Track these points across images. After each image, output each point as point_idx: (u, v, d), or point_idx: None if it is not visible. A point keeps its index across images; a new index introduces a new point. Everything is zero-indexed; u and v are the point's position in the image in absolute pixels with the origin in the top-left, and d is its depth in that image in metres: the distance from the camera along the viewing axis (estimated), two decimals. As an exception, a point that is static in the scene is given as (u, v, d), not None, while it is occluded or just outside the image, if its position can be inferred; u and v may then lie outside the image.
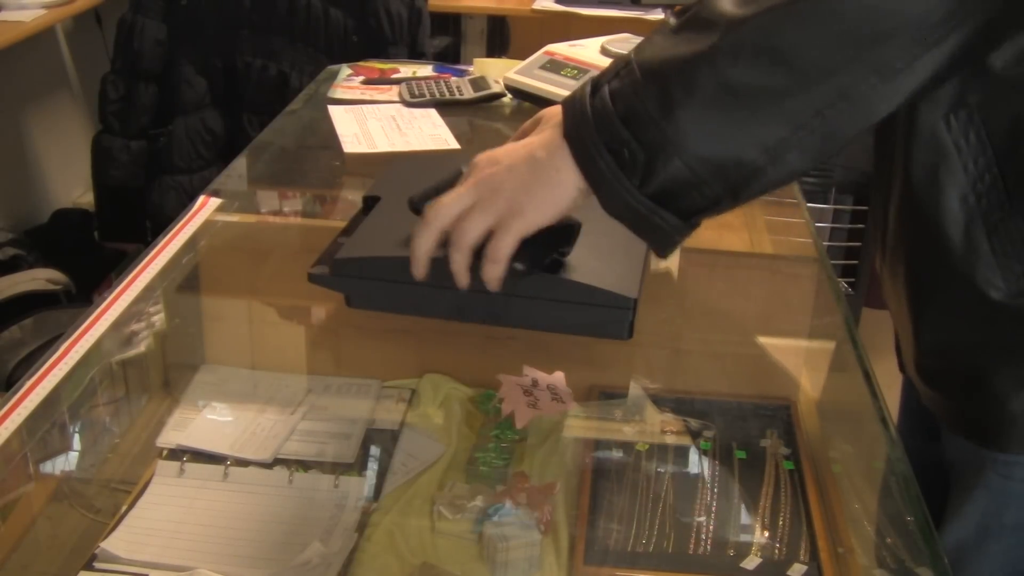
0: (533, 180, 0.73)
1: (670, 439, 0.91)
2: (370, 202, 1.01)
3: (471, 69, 1.74)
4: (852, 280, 2.72)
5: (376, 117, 1.49)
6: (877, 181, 0.99)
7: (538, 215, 0.74)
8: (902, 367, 1.05)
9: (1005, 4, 0.63)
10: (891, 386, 0.99)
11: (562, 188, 0.73)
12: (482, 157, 0.77)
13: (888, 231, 0.97)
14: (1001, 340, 0.86)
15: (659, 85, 0.67)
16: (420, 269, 0.78)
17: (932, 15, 0.61)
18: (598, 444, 0.91)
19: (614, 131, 0.68)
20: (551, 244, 0.82)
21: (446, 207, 0.76)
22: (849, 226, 2.78)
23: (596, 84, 0.72)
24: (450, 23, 3.09)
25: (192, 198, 1.24)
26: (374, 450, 0.88)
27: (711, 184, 0.67)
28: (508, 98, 1.63)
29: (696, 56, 0.65)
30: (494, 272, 0.76)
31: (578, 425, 0.93)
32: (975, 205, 0.83)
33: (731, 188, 0.68)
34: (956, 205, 0.84)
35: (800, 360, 1.09)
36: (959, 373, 0.91)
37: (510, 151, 0.76)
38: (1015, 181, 0.82)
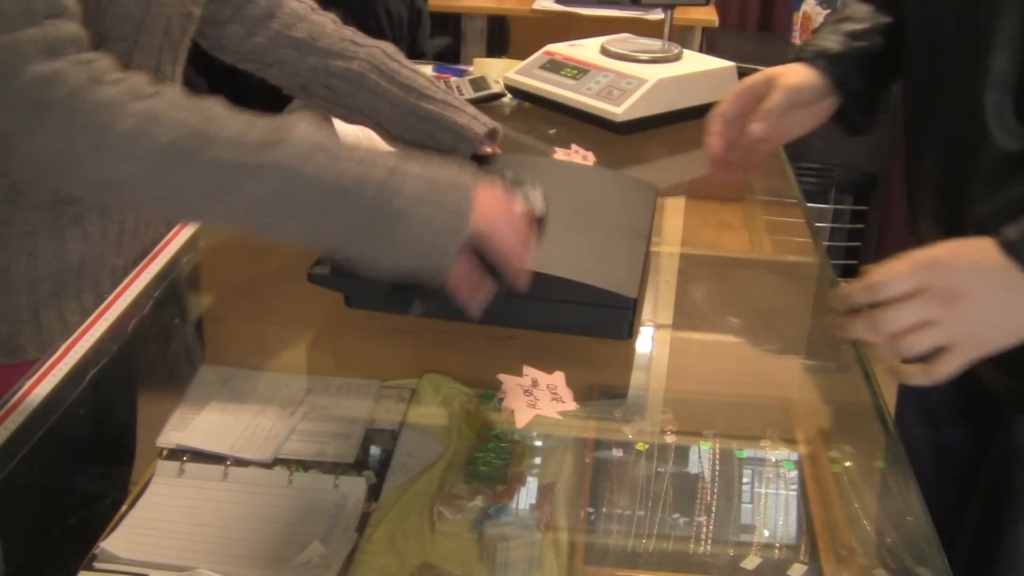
0: (998, 311, 0.73)
1: (670, 439, 0.91)
2: (370, 202, 1.01)
3: (471, 69, 1.74)
4: (852, 280, 2.72)
5: (376, 117, 1.48)
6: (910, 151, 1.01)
7: (997, 343, 0.75)
8: None
9: None
10: (891, 386, 0.99)
11: None
12: (933, 267, 0.76)
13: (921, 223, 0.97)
14: None
15: None
16: None
17: None
18: (598, 444, 0.91)
19: None
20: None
21: (894, 317, 0.76)
22: (849, 226, 2.78)
23: None
24: (450, 23, 3.09)
25: (192, 198, 1.24)
26: (374, 450, 0.88)
27: None
28: (508, 98, 1.63)
29: None
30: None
31: (578, 425, 0.93)
32: None
33: None
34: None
35: (800, 360, 1.09)
36: None
37: (963, 271, 0.75)
38: None
